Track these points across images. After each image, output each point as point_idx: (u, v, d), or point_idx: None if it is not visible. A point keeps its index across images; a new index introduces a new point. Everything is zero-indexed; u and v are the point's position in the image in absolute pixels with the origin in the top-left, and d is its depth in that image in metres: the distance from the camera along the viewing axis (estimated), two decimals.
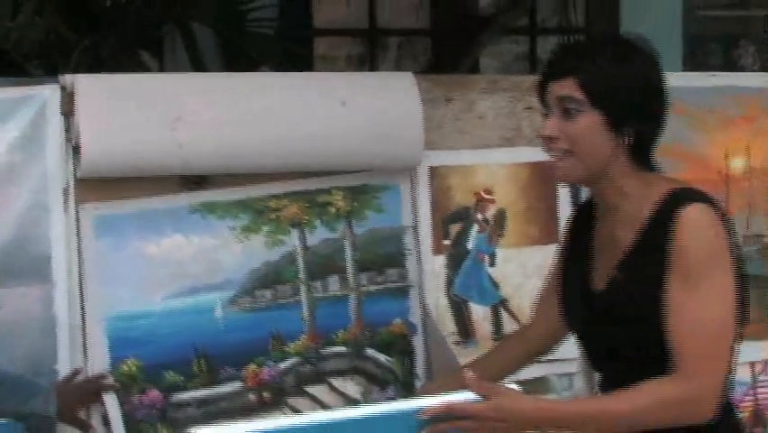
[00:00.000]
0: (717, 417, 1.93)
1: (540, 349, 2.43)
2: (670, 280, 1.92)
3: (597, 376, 2.38)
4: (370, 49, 5.77)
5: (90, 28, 4.14)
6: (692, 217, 1.91)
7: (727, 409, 2.01)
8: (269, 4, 4.71)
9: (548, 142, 2.03)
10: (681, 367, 1.91)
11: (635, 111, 1.96)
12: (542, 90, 2.04)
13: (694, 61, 6.45)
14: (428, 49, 5.77)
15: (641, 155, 2.00)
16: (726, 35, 7.20)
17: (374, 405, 1.89)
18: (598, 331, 2.08)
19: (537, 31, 6.39)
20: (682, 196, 1.96)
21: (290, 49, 4.71)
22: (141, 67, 4.34)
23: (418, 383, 2.89)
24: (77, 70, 3.12)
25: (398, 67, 5.76)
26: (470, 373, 1.97)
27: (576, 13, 5.36)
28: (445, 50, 5.02)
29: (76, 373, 2.52)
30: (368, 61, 5.68)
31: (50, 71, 3.69)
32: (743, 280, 1.96)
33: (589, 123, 1.97)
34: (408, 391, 2.85)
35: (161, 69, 4.96)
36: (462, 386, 1.94)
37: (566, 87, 1.99)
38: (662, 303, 1.93)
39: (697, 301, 1.90)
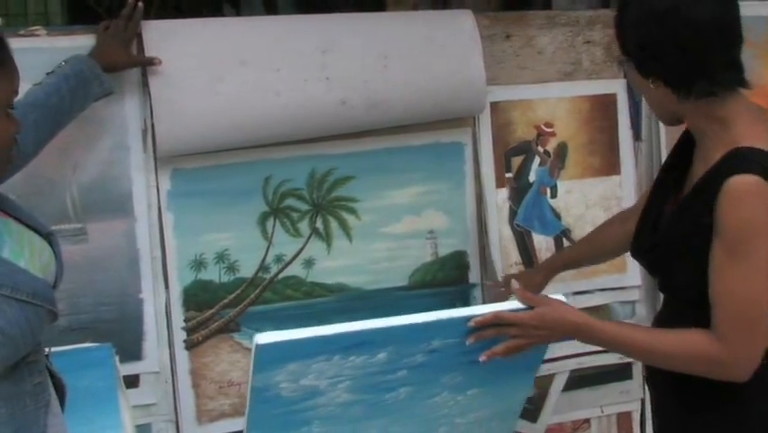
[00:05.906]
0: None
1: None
2: (714, 244, 1.90)
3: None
4: None
5: None
6: (737, 189, 1.85)
7: None
8: None
9: None
10: (716, 329, 1.92)
11: (650, 53, 1.93)
12: None
13: None
14: None
15: (689, 92, 1.94)
16: None
17: (427, 313, 2.02)
18: (651, 260, 2.12)
19: None
20: (740, 161, 1.88)
21: None
22: (219, 16, 4.44)
23: None
24: None
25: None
26: (516, 285, 2.09)
27: None
28: None
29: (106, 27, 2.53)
30: (441, 4, 5.66)
31: None
32: None
33: (629, 72, 2.04)
34: None
35: None
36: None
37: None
38: (704, 255, 1.92)
39: (736, 271, 1.88)
